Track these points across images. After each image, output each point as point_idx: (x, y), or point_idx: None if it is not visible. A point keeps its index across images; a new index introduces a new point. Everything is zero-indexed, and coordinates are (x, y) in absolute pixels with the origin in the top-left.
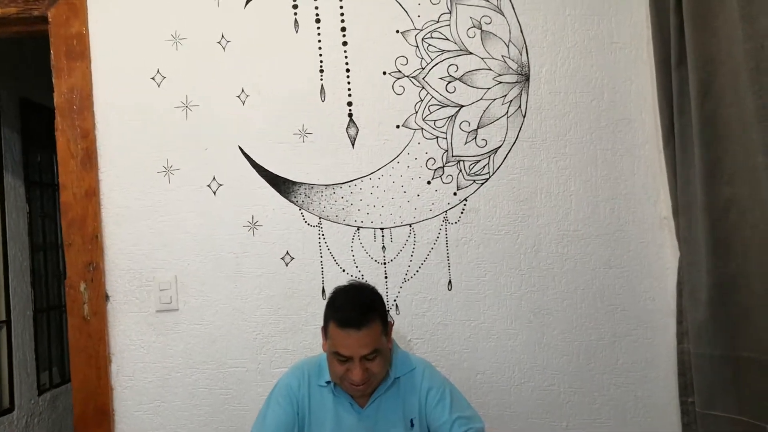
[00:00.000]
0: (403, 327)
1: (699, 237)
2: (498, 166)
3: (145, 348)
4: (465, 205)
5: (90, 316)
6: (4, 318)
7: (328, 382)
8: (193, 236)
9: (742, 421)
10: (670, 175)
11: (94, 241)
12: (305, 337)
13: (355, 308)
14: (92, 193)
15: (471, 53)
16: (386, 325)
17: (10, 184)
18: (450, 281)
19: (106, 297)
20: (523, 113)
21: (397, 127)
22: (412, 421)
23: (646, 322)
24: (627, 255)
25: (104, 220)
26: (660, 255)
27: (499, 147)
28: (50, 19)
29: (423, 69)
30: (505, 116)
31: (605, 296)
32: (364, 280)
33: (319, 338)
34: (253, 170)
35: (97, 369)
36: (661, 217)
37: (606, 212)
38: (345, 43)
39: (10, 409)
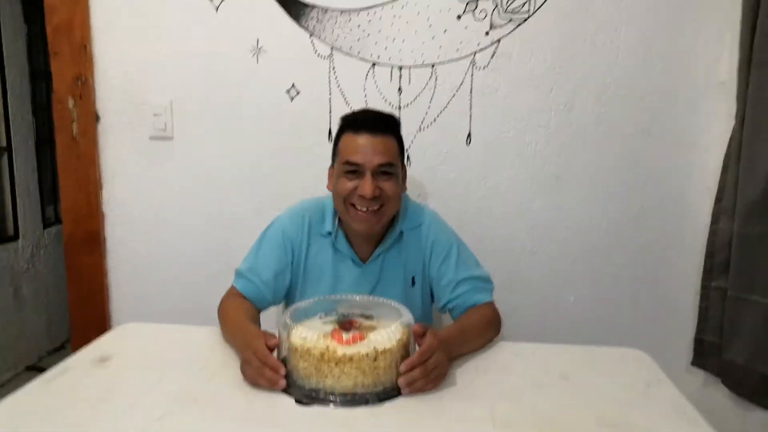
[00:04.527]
0: (413, 180)
1: None
2: (541, 3)
3: (137, 176)
4: (497, 47)
5: (79, 136)
6: (4, 145)
7: (329, 233)
8: (191, 57)
9: None
10: (746, 22)
11: (83, 51)
12: (307, 179)
13: (373, 115)
14: None
15: None
16: (402, 151)
17: None
18: (470, 134)
19: (97, 117)
20: None
21: None
22: (413, 279)
23: (679, 198)
24: (671, 122)
25: (93, 28)
26: (708, 126)
27: None
28: None
29: None
30: None
31: (639, 166)
32: None
33: (323, 180)
34: None
35: (87, 194)
36: (719, 82)
37: (656, 70)
38: None
39: (15, 237)
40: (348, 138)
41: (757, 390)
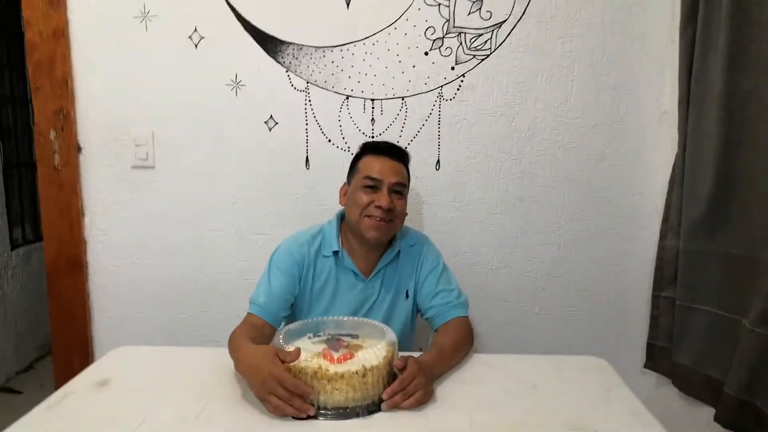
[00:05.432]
0: None
1: (709, 129)
2: (501, 42)
3: (119, 203)
4: (462, 81)
5: (61, 166)
6: None
7: (335, 252)
8: (172, 91)
9: (720, 315)
10: (683, 63)
11: (64, 86)
12: (286, 206)
13: (392, 145)
14: (60, 34)
15: None
16: (409, 181)
17: None
18: (438, 161)
19: (78, 148)
20: None
21: None
22: (407, 292)
23: (632, 217)
24: (622, 148)
25: (75, 65)
26: (655, 150)
27: (504, 21)
28: None
29: None
30: None
31: (594, 188)
32: (350, 153)
33: (300, 207)
34: (239, 24)
35: (69, 221)
36: (662, 111)
37: (607, 101)
38: None
39: None
40: (369, 159)
41: (703, 389)
